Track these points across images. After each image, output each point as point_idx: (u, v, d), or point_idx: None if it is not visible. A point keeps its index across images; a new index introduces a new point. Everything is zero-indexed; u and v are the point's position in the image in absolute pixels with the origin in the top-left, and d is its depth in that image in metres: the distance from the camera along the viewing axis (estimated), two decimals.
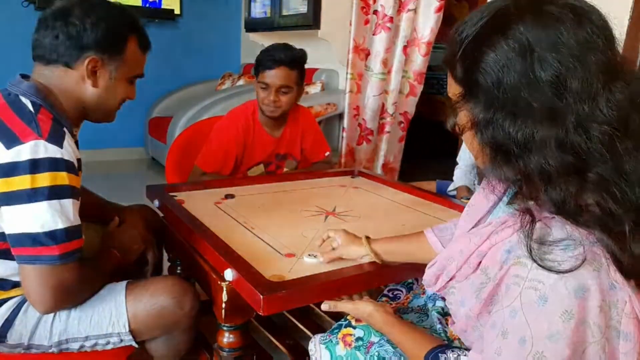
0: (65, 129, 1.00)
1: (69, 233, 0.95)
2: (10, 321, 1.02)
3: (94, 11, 1.04)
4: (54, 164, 0.94)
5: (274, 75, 1.77)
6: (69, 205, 0.96)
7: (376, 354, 0.92)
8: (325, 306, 0.97)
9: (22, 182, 0.91)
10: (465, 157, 2.03)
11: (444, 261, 0.81)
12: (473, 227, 0.82)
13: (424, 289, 1.16)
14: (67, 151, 0.96)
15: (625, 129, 0.61)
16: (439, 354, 0.80)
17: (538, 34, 0.61)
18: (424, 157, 4.12)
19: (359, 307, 0.95)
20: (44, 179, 0.92)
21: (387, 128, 2.97)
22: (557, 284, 0.61)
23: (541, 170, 0.62)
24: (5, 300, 1.03)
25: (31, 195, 0.92)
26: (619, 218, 0.61)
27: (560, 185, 0.62)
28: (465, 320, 0.77)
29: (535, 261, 0.63)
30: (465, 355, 0.77)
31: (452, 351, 0.81)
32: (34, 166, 0.92)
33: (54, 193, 0.93)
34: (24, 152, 0.92)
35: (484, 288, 0.72)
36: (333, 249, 1.09)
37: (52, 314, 1.04)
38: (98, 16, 1.04)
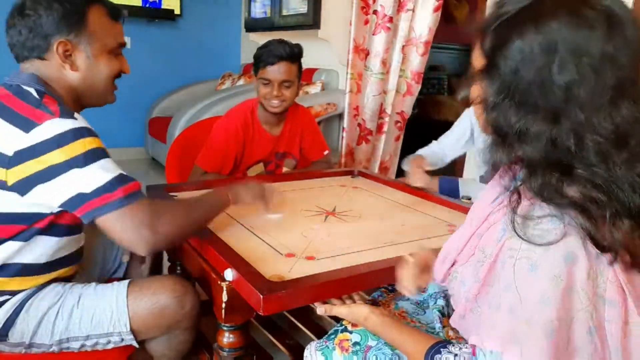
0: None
1: (123, 179, 0.98)
2: (12, 320, 1.03)
3: None
4: (77, 133, 0.96)
5: (276, 71, 1.78)
6: (108, 162, 0.99)
7: (374, 358, 0.91)
8: (320, 310, 0.96)
9: (53, 157, 0.93)
10: (446, 145, 1.93)
11: (447, 249, 0.84)
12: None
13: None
14: (81, 120, 0.98)
15: (624, 143, 0.64)
16: (441, 349, 0.80)
17: (566, 36, 0.63)
18: None
19: (354, 311, 0.93)
20: (74, 149, 0.94)
21: (385, 128, 2.97)
22: (548, 252, 0.64)
23: (528, 161, 0.67)
24: (7, 299, 1.03)
25: (72, 164, 0.94)
26: (601, 205, 0.64)
27: (543, 177, 0.66)
28: (464, 303, 0.80)
29: (518, 234, 0.67)
30: (466, 347, 0.77)
31: (453, 345, 0.80)
32: (59, 141, 0.93)
33: (91, 157, 0.96)
34: (44, 131, 0.93)
35: (481, 267, 0.75)
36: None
37: (54, 313, 1.04)
38: (48, 0, 1.03)
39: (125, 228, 0.97)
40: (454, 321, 0.85)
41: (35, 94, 1.00)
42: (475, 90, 0.72)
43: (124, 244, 1.02)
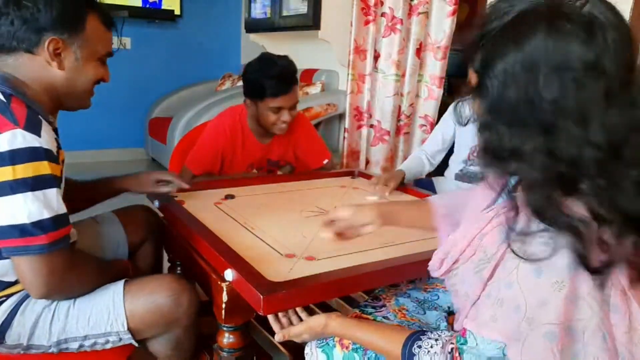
0: (40, 117, 0.98)
1: (56, 222, 0.95)
2: (8, 322, 1.02)
3: None
4: (34, 154, 0.93)
5: (288, 98, 1.75)
6: (53, 195, 0.95)
7: (374, 355, 0.92)
8: (278, 337, 0.96)
9: (3, 173, 0.90)
10: (430, 146, 2.01)
11: (449, 246, 0.84)
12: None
13: (426, 285, 1.17)
14: (45, 140, 0.95)
15: (617, 152, 0.62)
16: (421, 337, 0.80)
17: (546, 53, 0.62)
18: None
19: (311, 324, 0.93)
20: (25, 170, 0.91)
21: (404, 130, 2.96)
22: (552, 259, 0.64)
23: (525, 179, 0.67)
24: (2, 301, 1.03)
25: (14, 187, 0.91)
26: (604, 222, 0.63)
27: (541, 195, 0.65)
28: (465, 299, 0.80)
29: (515, 253, 0.67)
30: (445, 333, 0.78)
31: (431, 332, 0.81)
32: (14, 157, 0.90)
33: (37, 183, 0.93)
34: (2, 143, 0.90)
35: (484, 268, 0.74)
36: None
37: (50, 314, 1.04)
38: None
39: (34, 272, 0.94)
40: (457, 318, 0.85)
41: (1, 96, 0.97)
42: (475, 105, 0.73)
43: (26, 284, 0.97)
